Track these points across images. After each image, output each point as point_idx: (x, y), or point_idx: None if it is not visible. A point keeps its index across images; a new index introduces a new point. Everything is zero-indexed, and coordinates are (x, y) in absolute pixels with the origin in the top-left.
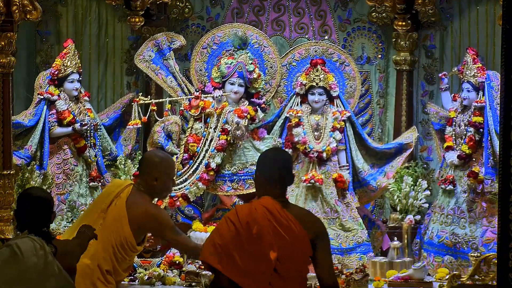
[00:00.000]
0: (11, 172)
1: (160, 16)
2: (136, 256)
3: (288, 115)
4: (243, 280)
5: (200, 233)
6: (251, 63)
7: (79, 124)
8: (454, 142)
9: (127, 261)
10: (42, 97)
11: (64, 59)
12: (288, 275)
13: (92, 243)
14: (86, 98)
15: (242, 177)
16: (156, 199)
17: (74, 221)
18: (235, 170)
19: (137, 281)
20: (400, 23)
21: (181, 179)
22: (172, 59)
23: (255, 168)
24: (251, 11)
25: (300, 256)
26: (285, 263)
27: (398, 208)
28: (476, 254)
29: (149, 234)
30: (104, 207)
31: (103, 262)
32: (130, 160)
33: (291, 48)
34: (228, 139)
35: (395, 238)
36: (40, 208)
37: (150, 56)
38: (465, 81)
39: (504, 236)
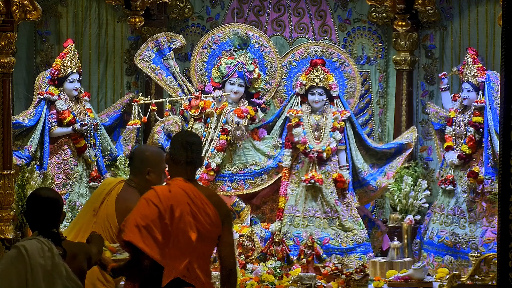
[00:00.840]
0: (11, 172)
1: (160, 16)
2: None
3: (288, 115)
4: (165, 260)
5: None
6: (251, 63)
7: (79, 124)
8: (454, 142)
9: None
10: (42, 97)
11: (64, 59)
12: (204, 255)
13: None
14: (86, 98)
15: (242, 177)
16: None
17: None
18: (235, 170)
19: None
20: (400, 23)
21: None
22: (172, 59)
23: (255, 168)
24: (251, 11)
25: (214, 236)
26: (203, 242)
27: (398, 208)
28: (476, 254)
29: None
30: (96, 206)
31: None
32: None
33: (291, 48)
34: (228, 139)
35: (395, 238)
36: (48, 209)
37: (150, 56)
38: (465, 81)
39: (504, 236)
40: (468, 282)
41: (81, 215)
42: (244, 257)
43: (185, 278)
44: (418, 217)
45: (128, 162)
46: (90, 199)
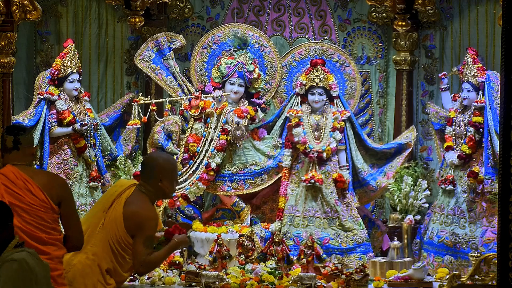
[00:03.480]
0: None
1: (160, 16)
2: None
3: (288, 115)
4: None
5: (200, 233)
6: (251, 63)
7: (79, 124)
8: (454, 142)
9: (127, 260)
10: (42, 97)
11: (64, 59)
12: (26, 228)
13: (94, 244)
14: (86, 98)
15: (242, 177)
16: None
17: None
18: (235, 170)
19: (137, 281)
20: (400, 23)
21: (181, 179)
22: (172, 59)
23: (255, 168)
24: (251, 11)
25: (37, 209)
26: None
27: (398, 208)
28: (476, 254)
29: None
30: (106, 207)
31: (103, 262)
32: (130, 160)
33: (291, 48)
34: (228, 139)
35: (395, 238)
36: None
37: (150, 56)
38: (465, 81)
39: (504, 236)
40: (468, 282)
41: (91, 215)
42: (244, 257)
43: None
44: (418, 217)
45: (140, 168)
46: (101, 199)
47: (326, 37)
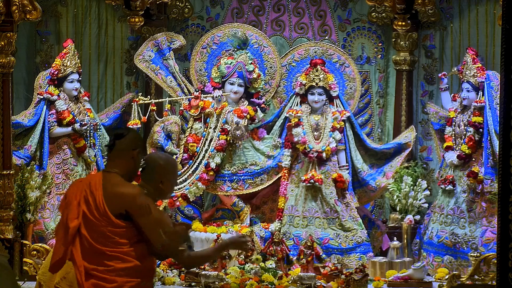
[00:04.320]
0: (11, 172)
1: (160, 16)
2: None
3: (287, 115)
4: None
5: (200, 233)
6: (251, 63)
7: (78, 124)
8: (454, 142)
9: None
10: (41, 97)
11: (63, 59)
12: (91, 240)
13: None
14: (85, 98)
15: (242, 177)
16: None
17: None
18: (234, 170)
19: None
20: (400, 23)
21: (180, 179)
22: (172, 59)
23: (254, 168)
24: (251, 11)
25: (99, 222)
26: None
27: (398, 208)
28: (476, 254)
29: None
30: None
31: None
32: None
33: (291, 48)
34: (228, 139)
35: (395, 238)
36: None
37: (150, 56)
38: (465, 81)
39: (504, 236)
40: (467, 282)
41: None
42: (244, 257)
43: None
44: (417, 217)
45: (141, 169)
46: None
47: (326, 37)
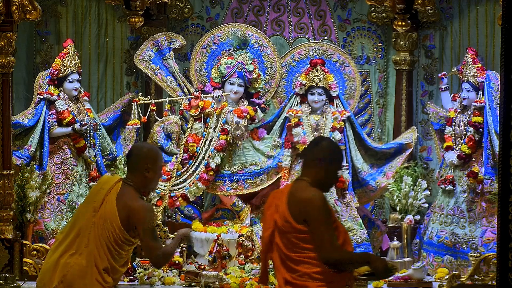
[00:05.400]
0: (11, 172)
1: (159, 16)
2: (136, 257)
3: (287, 115)
4: None
5: (199, 233)
6: (251, 63)
7: (78, 124)
8: (454, 142)
9: (123, 256)
10: (41, 97)
11: (63, 59)
12: (281, 247)
13: (87, 244)
14: (85, 98)
15: (242, 177)
16: (156, 199)
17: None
18: (234, 170)
19: (136, 281)
20: (400, 23)
21: (180, 179)
22: (172, 59)
23: (254, 168)
24: (250, 11)
25: (285, 228)
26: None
27: (398, 208)
28: (476, 254)
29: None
30: (96, 206)
31: (99, 261)
32: None
33: (291, 48)
34: (228, 139)
35: (395, 238)
36: None
37: (149, 56)
38: (465, 81)
39: (504, 236)
40: (467, 282)
41: (80, 215)
42: (244, 257)
43: None
44: (417, 217)
45: (126, 159)
46: (88, 198)
47: (325, 37)
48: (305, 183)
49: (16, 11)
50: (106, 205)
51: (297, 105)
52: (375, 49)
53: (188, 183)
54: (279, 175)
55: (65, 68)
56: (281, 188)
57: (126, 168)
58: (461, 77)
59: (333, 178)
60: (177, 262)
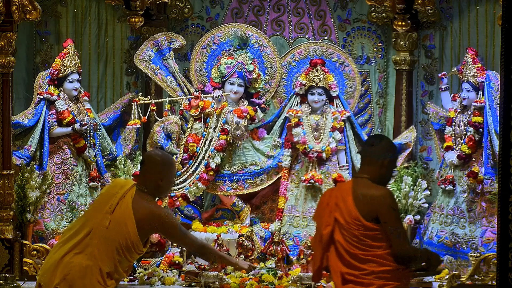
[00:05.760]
0: (11, 172)
1: (159, 16)
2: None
3: (287, 115)
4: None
5: (199, 233)
6: (251, 63)
7: (78, 124)
8: (454, 142)
9: (130, 261)
10: (41, 97)
11: (63, 59)
12: (345, 245)
13: (96, 245)
14: (85, 98)
15: (242, 177)
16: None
17: (73, 221)
18: (234, 170)
19: (136, 281)
20: (400, 23)
21: (180, 179)
22: (172, 59)
23: (254, 168)
24: (250, 11)
25: (350, 226)
26: None
27: None
28: (476, 254)
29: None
30: (109, 210)
31: (105, 264)
32: (129, 160)
33: (291, 48)
34: (228, 139)
35: None
36: None
37: (149, 56)
38: (465, 81)
39: (504, 236)
40: (467, 282)
41: (91, 216)
42: (244, 257)
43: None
44: (417, 217)
45: (140, 166)
46: (100, 200)
47: (325, 37)
48: (366, 180)
49: (16, 11)
50: (121, 209)
51: (297, 105)
52: (375, 49)
53: (188, 183)
54: (279, 175)
55: (65, 68)
56: (336, 186)
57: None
58: (461, 77)
59: (391, 175)
60: (177, 262)
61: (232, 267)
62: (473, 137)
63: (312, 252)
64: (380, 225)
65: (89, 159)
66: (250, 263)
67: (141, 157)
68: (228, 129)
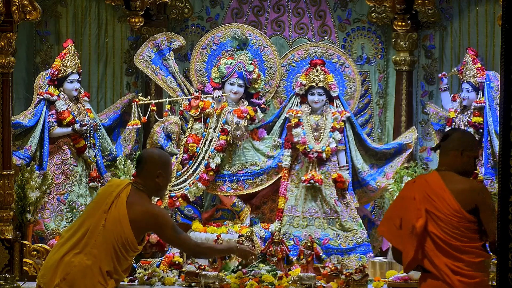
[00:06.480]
0: (11, 172)
1: (159, 16)
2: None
3: (287, 115)
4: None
5: (199, 233)
6: (251, 64)
7: (78, 124)
8: None
9: (127, 261)
10: (41, 97)
11: (63, 60)
12: (443, 237)
13: (94, 245)
14: (85, 98)
15: (242, 177)
16: (156, 199)
17: (74, 221)
18: (234, 170)
19: (136, 281)
20: (400, 23)
21: (180, 179)
22: (172, 59)
23: (254, 169)
24: (250, 11)
25: (450, 218)
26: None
27: None
28: None
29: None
30: (106, 208)
31: (104, 263)
32: (129, 160)
33: (291, 49)
34: (228, 139)
35: None
36: None
37: (149, 56)
38: (465, 81)
39: (504, 236)
40: None
41: (89, 215)
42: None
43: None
44: None
45: (136, 164)
46: (97, 199)
47: (325, 37)
48: (453, 173)
49: (16, 11)
50: (116, 208)
51: (297, 105)
52: (375, 50)
53: (188, 183)
54: (279, 175)
55: (65, 68)
56: (418, 179)
57: (135, 172)
58: (461, 77)
59: (469, 166)
60: (177, 262)
61: (234, 256)
62: None
63: (391, 246)
64: (477, 217)
65: (89, 159)
66: (250, 248)
67: (138, 156)
68: (228, 130)
